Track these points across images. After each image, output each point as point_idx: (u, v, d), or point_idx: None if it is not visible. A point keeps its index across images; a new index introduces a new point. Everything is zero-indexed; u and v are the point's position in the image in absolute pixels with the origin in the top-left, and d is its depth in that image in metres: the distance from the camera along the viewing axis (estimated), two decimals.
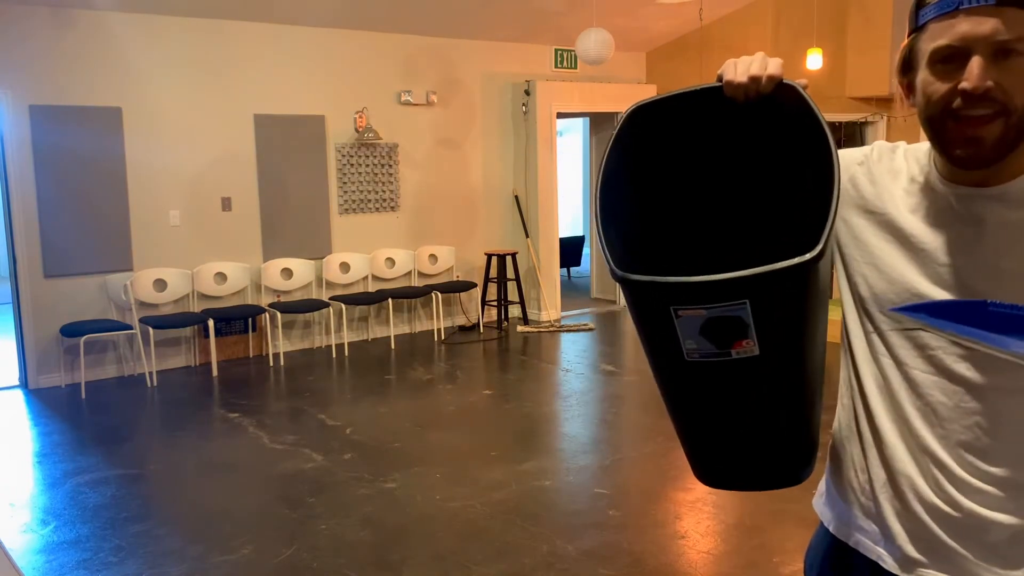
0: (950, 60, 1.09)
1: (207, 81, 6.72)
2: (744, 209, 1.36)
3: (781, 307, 1.09)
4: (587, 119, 9.63)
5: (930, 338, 1.18)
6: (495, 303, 8.15)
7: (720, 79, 1.21)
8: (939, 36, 1.10)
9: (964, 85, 1.08)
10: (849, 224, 1.28)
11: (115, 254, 6.46)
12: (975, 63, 1.07)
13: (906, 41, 1.17)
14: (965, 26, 1.08)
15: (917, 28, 1.14)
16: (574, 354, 7.11)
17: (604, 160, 1.27)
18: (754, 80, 1.18)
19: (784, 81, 1.18)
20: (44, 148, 6.13)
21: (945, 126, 1.11)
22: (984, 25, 1.06)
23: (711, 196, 1.36)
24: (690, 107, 1.26)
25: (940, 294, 1.16)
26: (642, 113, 1.27)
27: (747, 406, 1.22)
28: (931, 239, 1.18)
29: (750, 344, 1.10)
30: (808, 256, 1.04)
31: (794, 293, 1.09)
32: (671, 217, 1.36)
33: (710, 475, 1.35)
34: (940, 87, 1.10)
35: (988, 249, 1.13)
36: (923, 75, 1.13)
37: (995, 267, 1.12)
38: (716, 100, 1.22)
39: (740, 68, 1.19)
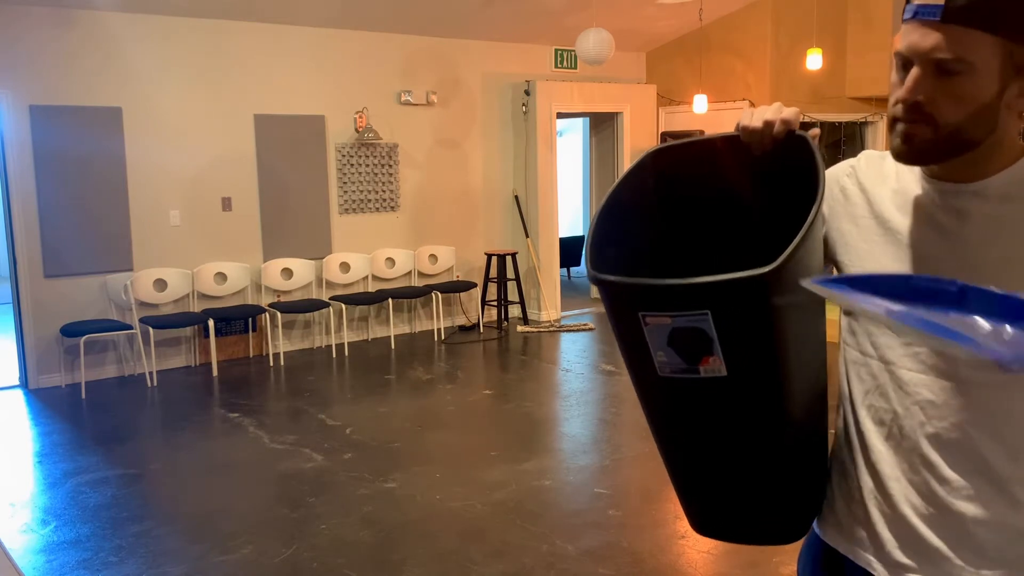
0: (903, 67, 1.13)
1: (207, 81, 6.72)
2: (754, 246, 1.38)
3: (743, 323, 1.09)
4: (587, 119, 9.63)
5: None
6: (495, 303, 8.15)
7: (738, 127, 1.25)
8: (900, 41, 1.13)
9: (897, 93, 1.12)
10: (841, 233, 1.30)
11: (115, 254, 6.46)
12: (911, 76, 1.10)
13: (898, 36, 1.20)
14: (914, 36, 1.10)
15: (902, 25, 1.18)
16: (574, 354, 7.11)
17: (619, 184, 1.29)
18: (768, 124, 1.21)
19: (796, 132, 1.21)
20: (44, 148, 6.13)
21: (893, 126, 1.15)
22: (928, 40, 1.08)
23: (723, 232, 1.38)
24: (708, 152, 1.30)
25: None
26: (663, 154, 1.32)
27: (723, 437, 1.22)
28: (917, 235, 1.20)
29: (717, 362, 1.11)
30: (761, 271, 1.03)
31: (755, 310, 1.08)
32: (683, 249, 1.38)
33: (696, 519, 1.34)
34: (893, 93, 1.15)
35: (971, 241, 1.15)
36: (891, 76, 1.17)
37: (978, 258, 1.14)
38: (734, 148, 1.26)
39: (756, 115, 1.23)
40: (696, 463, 1.28)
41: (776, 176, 1.27)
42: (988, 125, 1.11)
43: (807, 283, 1.01)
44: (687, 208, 1.35)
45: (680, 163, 1.32)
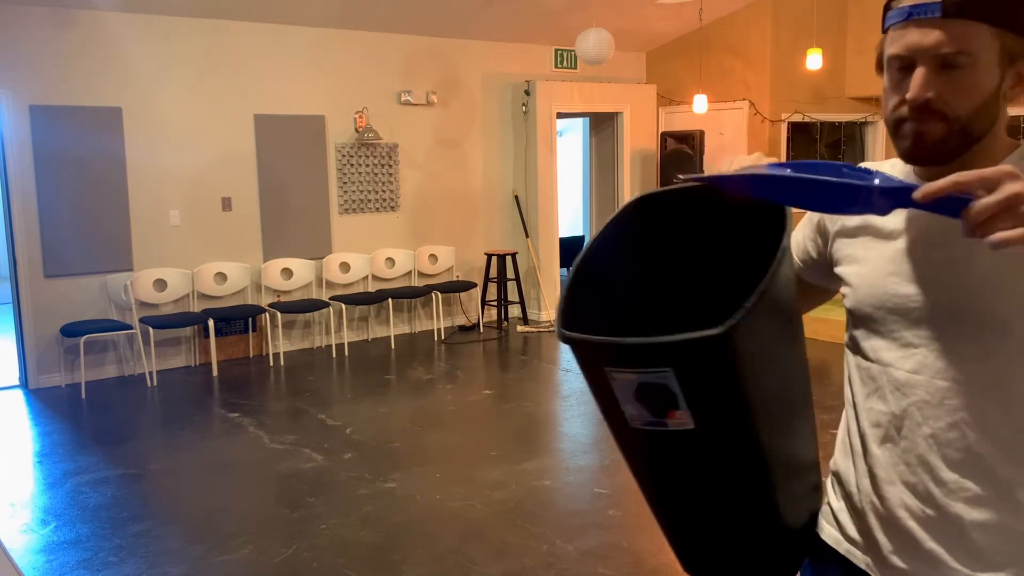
0: (902, 69, 1.14)
1: (207, 81, 6.72)
2: (739, 290, 1.38)
3: (706, 379, 1.08)
4: (587, 119, 9.62)
5: (913, 337, 1.19)
6: (495, 303, 8.15)
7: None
8: (893, 44, 1.14)
9: (907, 95, 1.12)
10: (839, 246, 1.32)
11: (115, 254, 6.46)
12: (918, 74, 1.11)
13: (878, 42, 1.21)
14: (913, 36, 1.11)
15: (884, 31, 1.18)
16: None
17: (598, 236, 1.29)
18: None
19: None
20: (44, 148, 6.13)
21: (899, 127, 1.15)
22: (929, 37, 1.09)
23: (709, 278, 1.37)
24: (691, 199, 1.29)
25: (914, 288, 1.19)
26: (645, 202, 1.31)
27: (700, 484, 1.21)
28: (912, 236, 1.20)
29: (684, 416, 1.10)
30: (715, 331, 1.02)
31: (716, 366, 1.07)
32: (672, 295, 1.37)
33: (684, 561, 1.34)
34: (893, 96, 1.15)
35: (964, 239, 1.15)
36: (884, 80, 1.18)
37: (971, 254, 1.13)
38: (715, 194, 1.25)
39: (736, 163, 1.24)
40: (677, 508, 1.28)
41: (755, 220, 1.26)
42: (992, 117, 1.13)
43: (683, 176, 1.05)
44: (674, 254, 1.34)
45: (664, 210, 1.31)
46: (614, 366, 1.10)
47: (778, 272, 1.07)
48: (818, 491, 1.37)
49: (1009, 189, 0.91)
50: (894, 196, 1.00)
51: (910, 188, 0.98)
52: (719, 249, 1.33)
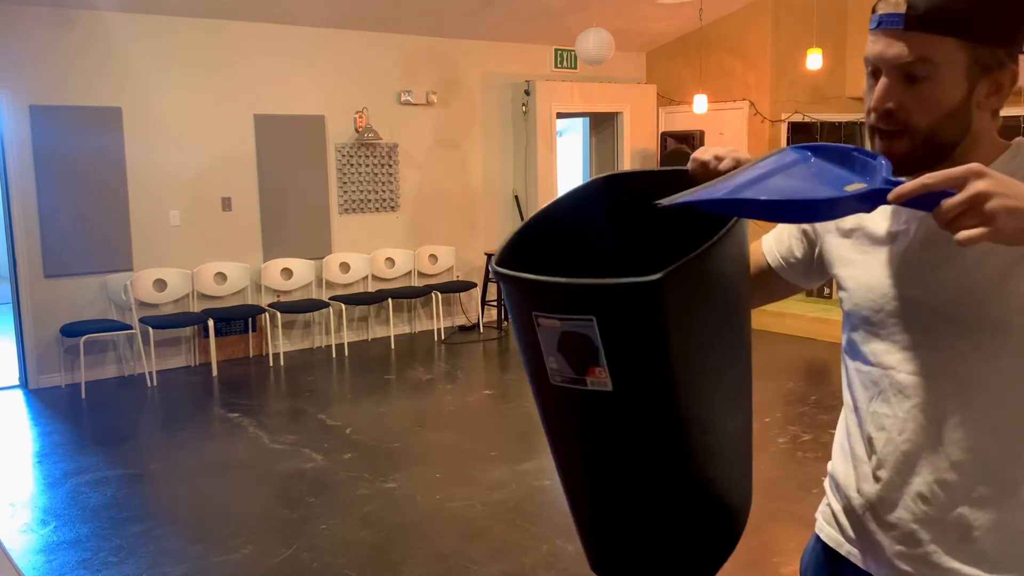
0: (873, 75, 1.16)
1: (207, 81, 6.72)
2: None
3: (628, 335, 1.04)
4: (587, 119, 9.62)
5: (914, 339, 1.19)
6: (495, 303, 8.15)
7: (691, 159, 1.28)
8: (867, 50, 1.16)
9: (869, 103, 1.15)
10: (832, 246, 1.32)
11: (115, 254, 6.45)
12: (880, 84, 1.13)
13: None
14: (880, 46, 1.13)
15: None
16: None
17: (565, 197, 1.28)
18: (717, 159, 1.25)
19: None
20: (44, 148, 6.13)
21: (872, 139, 1.18)
22: (892, 48, 1.11)
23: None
24: (658, 184, 1.28)
25: (913, 289, 1.19)
26: (614, 180, 1.31)
27: (613, 459, 1.16)
28: (904, 239, 1.20)
29: (603, 374, 1.07)
30: (649, 277, 0.99)
31: (643, 320, 1.03)
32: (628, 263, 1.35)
33: (591, 555, 1.26)
34: (866, 99, 1.18)
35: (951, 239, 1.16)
36: (864, 82, 1.20)
37: (961, 255, 1.13)
38: (685, 183, 1.24)
39: (710, 150, 1.27)
40: (589, 486, 1.22)
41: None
42: (961, 127, 1.13)
43: (665, 200, 1.04)
44: (639, 235, 1.33)
45: (632, 191, 1.30)
46: (541, 310, 1.08)
47: (724, 244, 1.06)
48: (741, 470, 1.30)
49: (974, 188, 0.92)
50: (873, 198, 1.01)
51: (885, 190, 0.99)
52: (683, 237, 1.30)
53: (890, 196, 0.97)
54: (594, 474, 1.20)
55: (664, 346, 1.05)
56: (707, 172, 1.25)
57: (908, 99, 1.12)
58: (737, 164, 1.23)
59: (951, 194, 0.93)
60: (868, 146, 1.18)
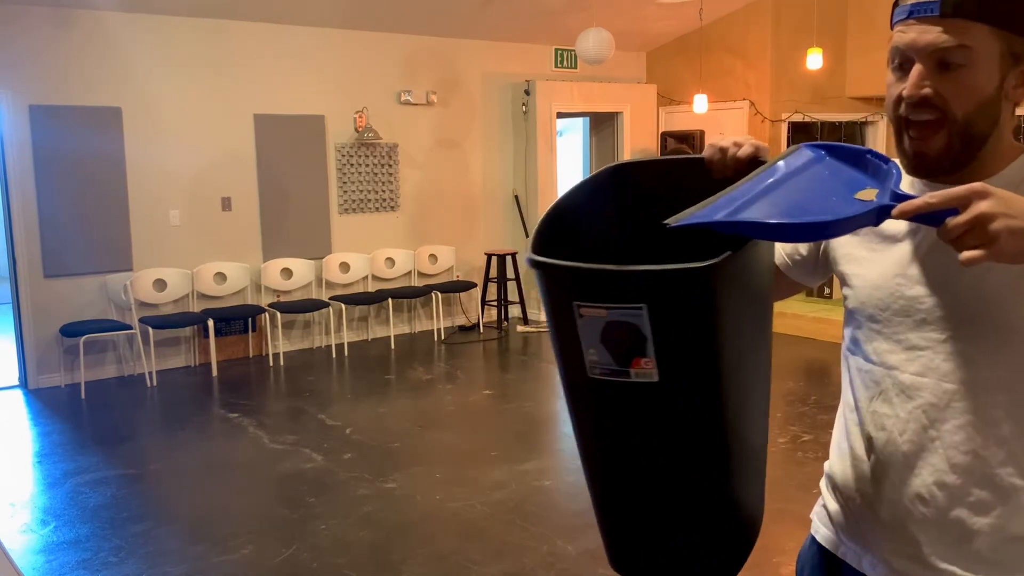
0: (902, 66, 1.14)
1: (207, 81, 6.72)
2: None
3: (681, 323, 1.03)
4: (587, 119, 9.62)
5: (919, 339, 1.19)
6: (495, 303, 8.15)
7: (707, 147, 1.27)
8: (896, 41, 1.14)
9: (903, 91, 1.13)
10: (839, 243, 1.31)
11: (115, 254, 6.45)
12: (914, 71, 1.11)
13: (889, 40, 1.21)
14: (913, 34, 1.11)
15: (892, 28, 1.18)
16: None
17: (577, 188, 1.26)
18: (736, 145, 1.23)
19: (760, 159, 1.21)
20: (44, 148, 6.13)
21: (900, 137, 1.16)
22: (927, 35, 1.10)
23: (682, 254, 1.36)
24: (670, 174, 1.27)
25: (921, 290, 1.18)
26: (627, 169, 1.29)
27: (651, 454, 1.14)
28: (915, 237, 1.20)
29: (649, 364, 1.05)
30: (704, 263, 0.98)
31: (695, 308, 1.02)
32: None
33: (613, 553, 1.24)
34: (892, 92, 1.16)
35: None
36: (887, 76, 1.18)
37: None
38: (696, 172, 1.24)
39: (728, 138, 1.25)
40: (619, 482, 1.20)
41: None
42: (992, 118, 1.12)
43: (673, 219, 1.03)
44: (648, 227, 1.30)
45: (640, 181, 1.29)
46: (585, 299, 1.05)
47: (759, 244, 1.05)
48: (761, 481, 1.30)
49: (977, 209, 0.92)
50: (880, 214, 1.01)
51: (891, 206, 0.99)
52: (684, 235, 1.31)
53: (894, 212, 0.98)
54: (629, 468, 1.19)
55: (714, 335, 1.05)
56: (724, 160, 1.23)
57: (943, 87, 1.10)
58: (756, 152, 1.21)
59: (957, 211, 0.93)
60: (886, 148, 1.18)
